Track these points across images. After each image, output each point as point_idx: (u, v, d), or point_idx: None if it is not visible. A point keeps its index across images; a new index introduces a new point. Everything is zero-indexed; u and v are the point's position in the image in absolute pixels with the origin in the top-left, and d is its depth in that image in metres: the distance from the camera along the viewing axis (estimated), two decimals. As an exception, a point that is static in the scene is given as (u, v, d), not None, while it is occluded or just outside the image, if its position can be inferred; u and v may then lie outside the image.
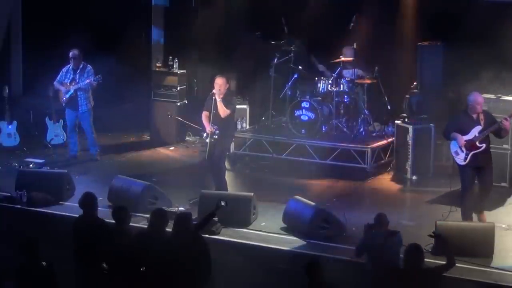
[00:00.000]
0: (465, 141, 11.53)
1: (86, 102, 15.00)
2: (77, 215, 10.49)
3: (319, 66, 15.80)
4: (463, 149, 11.58)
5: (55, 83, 15.12)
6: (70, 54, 14.94)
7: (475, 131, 11.54)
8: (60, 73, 15.08)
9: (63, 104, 15.12)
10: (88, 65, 15.01)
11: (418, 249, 8.96)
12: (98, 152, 15.39)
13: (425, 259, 9.19)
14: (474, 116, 11.59)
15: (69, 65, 15.05)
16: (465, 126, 11.61)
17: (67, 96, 14.97)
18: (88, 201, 10.22)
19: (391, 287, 9.05)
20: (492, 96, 13.56)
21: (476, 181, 11.83)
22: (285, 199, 12.34)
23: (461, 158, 11.66)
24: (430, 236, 9.53)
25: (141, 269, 9.37)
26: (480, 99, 11.63)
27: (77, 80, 14.91)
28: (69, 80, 14.98)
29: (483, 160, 11.64)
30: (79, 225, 10.18)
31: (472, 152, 11.54)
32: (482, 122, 11.54)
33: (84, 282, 9.92)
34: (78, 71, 14.96)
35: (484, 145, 11.53)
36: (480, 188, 11.84)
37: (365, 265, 9.80)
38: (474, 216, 11.82)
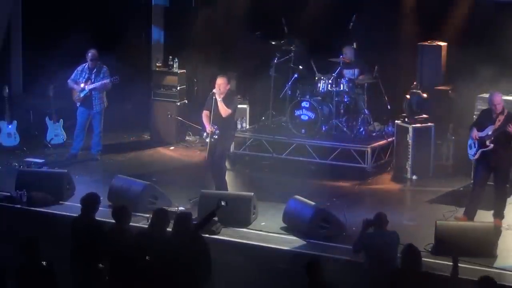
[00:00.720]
0: (479, 137, 11.70)
1: (100, 102, 15.02)
2: (77, 215, 10.50)
3: (316, 74, 15.69)
4: (476, 144, 11.75)
5: (69, 81, 15.08)
6: (89, 55, 14.90)
7: (488, 130, 11.70)
8: (75, 72, 15.06)
9: (78, 104, 15.10)
10: (104, 66, 15.03)
11: (413, 248, 8.94)
12: (100, 152, 15.38)
13: (426, 259, 9.19)
14: (494, 115, 11.74)
15: (85, 64, 15.02)
16: (483, 123, 11.81)
17: (82, 95, 14.97)
18: (90, 201, 10.22)
19: (390, 287, 9.05)
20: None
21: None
22: (285, 199, 12.33)
23: (471, 153, 11.89)
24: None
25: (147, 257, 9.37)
26: (496, 99, 11.73)
27: (93, 80, 14.93)
28: (84, 79, 14.97)
29: (494, 160, 11.74)
30: (76, 224, 10.18)
31: (481, 149, 11.71)
32: (498, 123, 11.63)
33: (80, 281, 9.92)
34: (94, 71, 14.97)
35: (492, 145, 11.63)
36: (493, 188, 11.95)
37: (364, 265, 9.80)
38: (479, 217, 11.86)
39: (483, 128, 11.76)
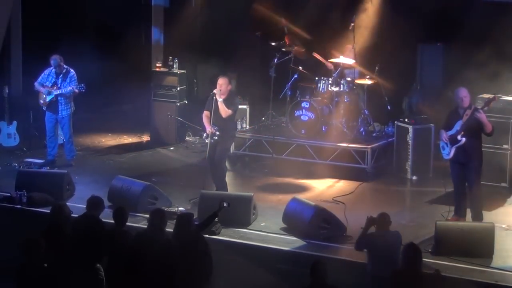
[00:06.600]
0: (449, 136, 11.71)
1: (66, 107, 14.73)
2: (77, 215, 10.50)
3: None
4: (448, 143, 11.75)
5: (36, 83, 14.85)
6: (52, 62, 14.66)
7: (457, 126, 11.71)
8: (42, 75, 14.81)
9: (43, 108, 14.90)
10: (71, 70, 14.73)
11: (415, 248, 8.93)
12: (74, 158, 15.11)
13: (426, 259, 9.17)
14: (461, 111, 11.75)
15: (51, 68, 14.77)
16: (451, 122, 11.81)
17: (48, 99, 14.72)
18: (96, 202, 10.22)
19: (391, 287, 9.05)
20: (492, 96, 13.57)
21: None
22: (285, 199, 12.34)
23: (445, 153, 11.87)
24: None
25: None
26: (462, 93, 11.75)
27: (59, 85, 14.65)
28: (51, 84, 14.72)
29: (465, 156, 11.70)
30: (78, 225, 10.17)
31: (454, 146, 11.70)
32: (466, 117, 11.65)
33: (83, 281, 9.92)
34: (61, 75, 14.70)
35: (463, 140, 11.62)
36: (467, 188, 11.89)
37: (366, 266, 9.80)
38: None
39: (450, 127, 11.75)
